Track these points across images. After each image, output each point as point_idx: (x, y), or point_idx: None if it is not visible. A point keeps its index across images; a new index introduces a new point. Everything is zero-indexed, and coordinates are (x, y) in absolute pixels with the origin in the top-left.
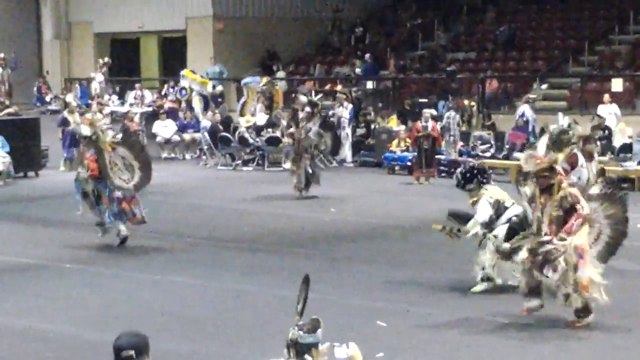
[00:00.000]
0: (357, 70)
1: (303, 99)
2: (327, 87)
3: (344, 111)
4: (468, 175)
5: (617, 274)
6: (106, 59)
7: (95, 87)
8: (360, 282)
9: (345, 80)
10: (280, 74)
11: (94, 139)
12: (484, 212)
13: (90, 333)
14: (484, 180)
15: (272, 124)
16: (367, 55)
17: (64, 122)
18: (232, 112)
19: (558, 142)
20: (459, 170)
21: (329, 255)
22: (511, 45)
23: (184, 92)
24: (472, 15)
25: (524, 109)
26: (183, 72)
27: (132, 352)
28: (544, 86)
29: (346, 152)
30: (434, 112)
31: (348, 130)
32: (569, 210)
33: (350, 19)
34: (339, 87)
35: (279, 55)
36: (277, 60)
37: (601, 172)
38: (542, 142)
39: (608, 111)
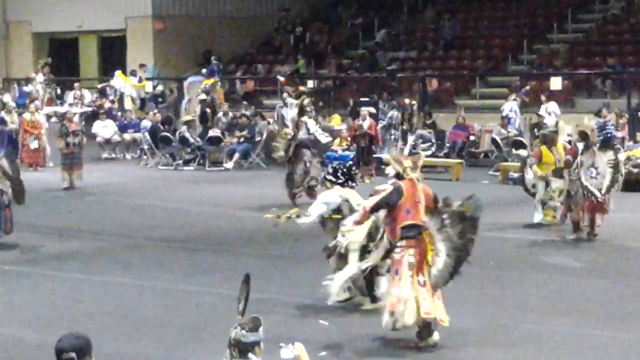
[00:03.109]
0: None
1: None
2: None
3: (289, 111)
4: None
5: (554, 270)
6: (47, 59)
7: (36, 87)
8: (303, 281)
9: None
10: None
11: None
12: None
13: (31, 335)
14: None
15: (214, 123)
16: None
17: (1, 122)
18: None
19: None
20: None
21: (271, 254)
22: (452, 44)
23: (116, 92)
24: (412, 14)
25: (512, 105)
26: (116, 74)
27: (74, 355)
28: (525, 89)
29: None
30: (372, 110)
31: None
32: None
33: (292, 18)
34: (301, 88)
35: (218, 55)
36: (217, 60)
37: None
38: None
39: (546, 110)
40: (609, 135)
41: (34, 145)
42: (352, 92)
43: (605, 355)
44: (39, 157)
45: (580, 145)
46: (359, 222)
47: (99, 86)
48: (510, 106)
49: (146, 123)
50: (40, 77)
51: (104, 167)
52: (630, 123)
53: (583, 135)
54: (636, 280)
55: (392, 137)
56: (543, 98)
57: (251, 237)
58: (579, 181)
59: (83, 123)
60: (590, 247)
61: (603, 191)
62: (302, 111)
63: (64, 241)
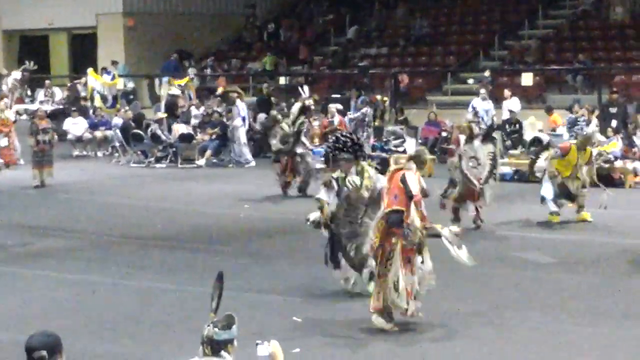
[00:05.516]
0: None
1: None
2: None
3: (241, 110)
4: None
5: (527, 265)
6: (32, 66)
7: (7, 84)
8: (277, 278)
9: (258, 75)
10: (192, 70)
11: None
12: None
13: (3, 334)
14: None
15: (186, 121)
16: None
17: None
18: (144, 108)
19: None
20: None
21: (245, 252)
22: (423, 40)
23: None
24: (383, 10)
25: (475, 102)
26: (88, 71)
27: (44, 352)
28: (487, 73)
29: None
30: (339, 106)
31: (242, 131)
32: None
33: (263, 15)
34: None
35: (190, 52)
36: (189, 57)
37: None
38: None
39: (511, 105)
40: (491, 128)
41: (3, 142)
42: (324, 89)
43: (578, 350)
44: (10, 155)
45: (462, 137)
46: None
47: (68, 84)
48: (472, 102)
49: (117, 120)
50: (17, 74)
51: (76, 164)
52: (600, 119)
53: (465, 129)
54: (610, 276)
55: (365, 133)
56: (507, 93)
57: (224, 235)
58: (460, 170)
59: (54, 120)
60: (564, 243)
61: (482, 181)
62: (303, 110)
63: (36, 239)
